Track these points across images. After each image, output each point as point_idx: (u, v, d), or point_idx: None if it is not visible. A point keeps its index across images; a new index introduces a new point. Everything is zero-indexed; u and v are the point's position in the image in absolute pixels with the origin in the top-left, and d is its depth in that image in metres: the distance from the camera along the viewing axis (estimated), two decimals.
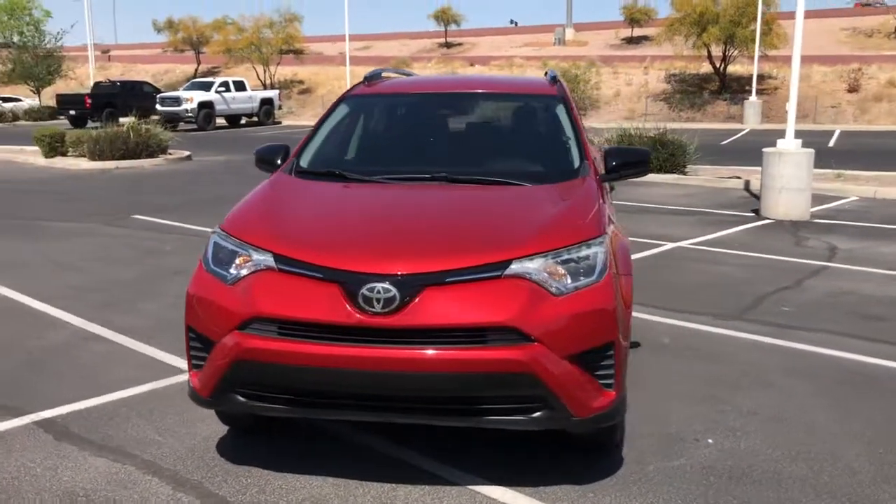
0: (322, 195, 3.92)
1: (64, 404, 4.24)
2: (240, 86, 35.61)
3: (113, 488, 3.36)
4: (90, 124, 30.83)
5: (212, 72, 56.80)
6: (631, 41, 52.95)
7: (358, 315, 2.98)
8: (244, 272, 3.22)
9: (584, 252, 3.20)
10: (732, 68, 37.37)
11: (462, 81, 5.26)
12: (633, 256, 7.78)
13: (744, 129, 29.63)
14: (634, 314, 5.57)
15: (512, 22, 78.36)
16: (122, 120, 31.90)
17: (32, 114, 41.73)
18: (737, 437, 3.85)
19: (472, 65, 54.61)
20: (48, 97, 44.56)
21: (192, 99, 32.17)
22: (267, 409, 3.21)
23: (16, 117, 41.48)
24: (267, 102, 36.99)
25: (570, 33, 60.86)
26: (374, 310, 2.97)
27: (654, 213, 10.98)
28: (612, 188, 5.52)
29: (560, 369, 3.01)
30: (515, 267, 3.07)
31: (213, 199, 12.03)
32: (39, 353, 5.13)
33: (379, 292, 2.97)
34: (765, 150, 10.74)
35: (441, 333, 2.97)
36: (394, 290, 2.97)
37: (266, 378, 3.10)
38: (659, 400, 4.31)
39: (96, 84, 36.21)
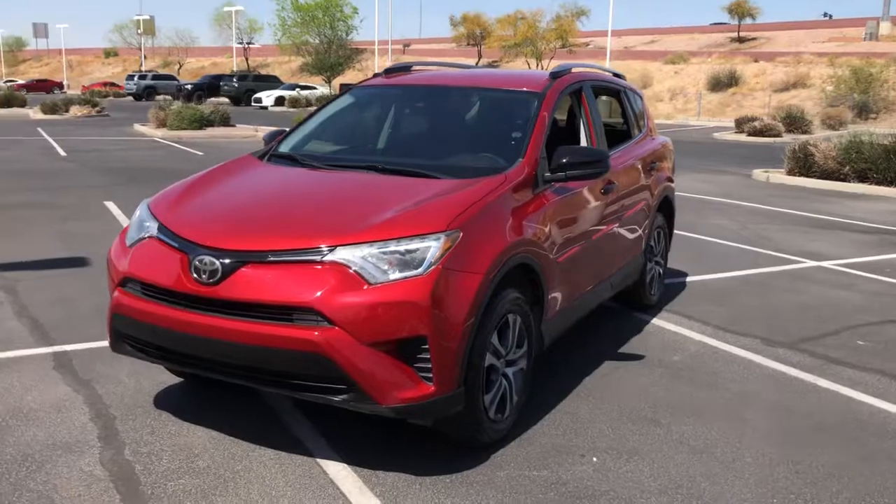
0: (244, 175, 4.28)
1: (88, 342, 5.00)
2: None
3: (51, 410, 4.00)
4: None
5: (491, 66, 59.07)
6: None
7: (189, 284, 3.31)
8: (139, 237, 3.68)
9: (414, 245, 3.25)
10: None
11: (459, 76, 5.29)
12: (757, 270, 7.41)
13: None
14: (672, 327, 5.34)
15: (825, 15, 72.40)
16: None
17: (322, 100, 46.37)
18: (627, 462, 3.62)
19: (755, 60, 51.39)
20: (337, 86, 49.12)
21: None
22: (147, 360, 3.65)
23: (308, 103, 46.26)
24: None
25: (885, 27, 54.96)
26: (201, 280, 3.28)
27: (829, 229, 9.97)
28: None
29: (359, 355, 3.11)
30: (337, 253, 3.21)
31: None
32: None
33: (206, 264, 3.28)
34: None
35: (253, 308, 3.21)
36: (217, 263, 3.26)
37: (135, 331, 3.55)
38: (592, 412, 4.15)
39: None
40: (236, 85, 47.32)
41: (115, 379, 4.43)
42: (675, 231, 7.83)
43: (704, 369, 4.84)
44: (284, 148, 4.63)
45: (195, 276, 3.31)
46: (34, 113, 33.82)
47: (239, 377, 3.41)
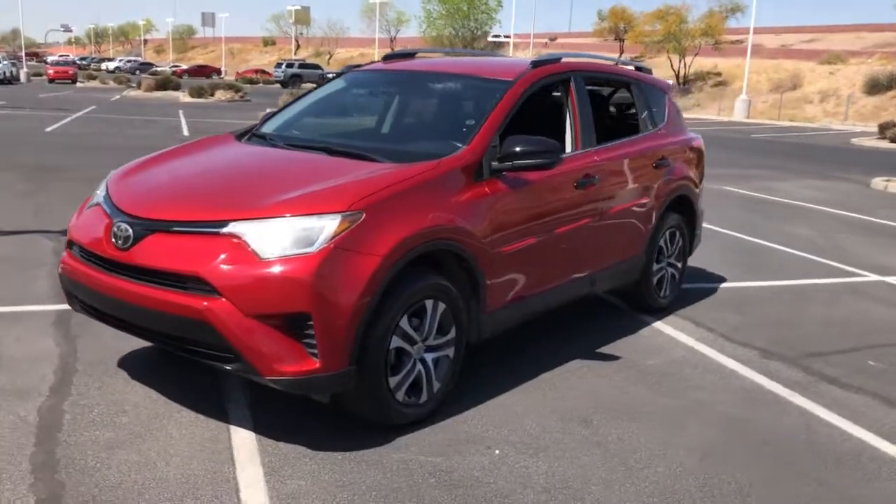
0: (204, 152, 4.49)
1: None
2: None
3: (25, 360, 4.35)
4: None
5: (634, 60, 57.67)
6: None
7: (108, 248, 3.54)
8: (91, 204, 3.96)
9: (309, 223, 3.33)
10: None
11: (445, 63, 5.27)
12: (805, 281, 6.97)
13: None
14: (670, 331, 5.24)
15: None
16: None
17: None
18: (529, 458, 3.57)
19: None
20: None
21: None
22: (92, 318, 3.92)
23: None
24: None
25: None
26: (117, 245, 3.50)
27: None
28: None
29: (243, 326, 3.24)
30: (235, 227, 3.34)
31: None
32: None
33: (122, 230, 3.50)
34: None
35: (155, 274, 3.40)
36: (130, 230, 3.47)
37: (76, 291, 3.83)
38: (528, 407, 4.09)
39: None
40: None
41: (98, 338, 4.74)
42: (741, 237, 7.47)
43: (677, 376, 4.64)
44: (266, 127, 4.81)
45: (113, 241, 3.53)
46: (183, 96, 36.19)
47: (150, 339, 3.63)
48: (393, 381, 3.62)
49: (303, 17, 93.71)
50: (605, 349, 5.01)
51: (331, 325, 3.29)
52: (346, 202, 3.42)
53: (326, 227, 3.33)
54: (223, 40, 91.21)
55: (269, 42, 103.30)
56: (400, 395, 3.68)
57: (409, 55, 5.51)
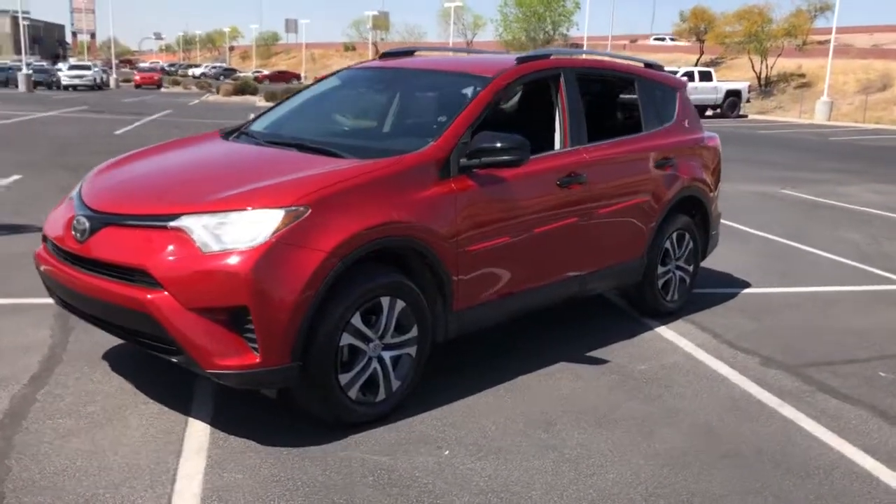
0: (182, 148, 4.59)
1: None
2: (705, 76, 35.07)
3: (17, 349, 4.50)
4: None
5: (714, 62, 56.38)
6: None
7: (69, 241, 3.64)
8: (67, 198, 4.08)
9: (252, 218, 3.35)
10: None
11: (434, 61, 5.22)
12: (837, 288, 6.65)
13: None
14: (671, 336, 5.09)
15: None
16: None
17: None
18: (478, 460, 3.50)
19: None
20: None
21: None
22: (65, 310, 4.04)
23: None
24: (733, 94, 35.77)
25: None
26: (76, 238, 3.60)
27: None
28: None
29: (183, 319, 3.27)
30: (181, 221, 3.38)
31: None
32: None
33: (80, 223, 3.59)
34: None
35: (107, 266, 3.47)
36: (87, 224, 3.55)
37: (49, 283, 3.94)
38: (493, 409, 4.02)
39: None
40: None
41: (93, 331, 4.81)
42: (783, 241, 7.19)
43: (663, 382, 4.48)
44: (255, 125, 4.87)
45: (73, 234, 3.62)
46: (259, 101, 37.09)
47: (108, 331, 3.71)
48: (344, 378, 3.60)
49: (381, 22, 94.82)
50: (598, 352, 4.88)
51: (270, 319, 3.29)
52: (292, 198, 3.42)
53: (269, 221, 3.34)
54: (304, 46, 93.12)
55: (349, 47, 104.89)
56: (353, 393, 3.66)
57: (408, 53, 5.49)
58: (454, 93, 4.58)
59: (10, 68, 49.08)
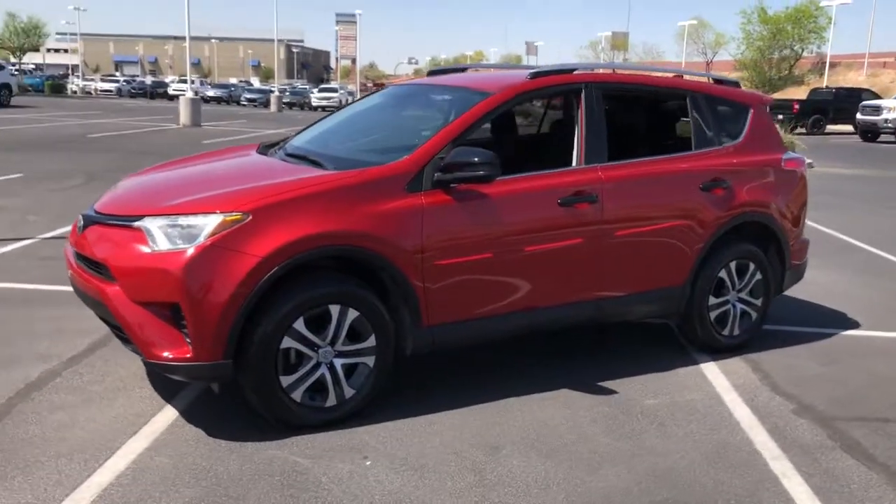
0: (205, 159, 4.91)
1: None
2: None
3: (80, 332, 5.10)
4: (798, 130, 31.07)
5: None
6: None
7: (72, 238, 4.12)
8: None
9: (194, 222, 3.61)
10: None
11: (461, 78, 5.14)
12: None
13: None
14: (712, 374, 4.85)
15: None
16: (829, 128, 31.47)
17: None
18: (394, 472, 3.49)
19: None
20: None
21: (894, 108, 29.58)
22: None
23: None
24: None
25: None
26: (77, 235, 4.07)
27: None
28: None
29: (130, 310, 3.61)
30: (142, 222, 3.72)
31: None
32: None
33: (79, 222, 4.05)
34: None
35: (87, 261, 3.90)
36: (81, 223, 4.01)
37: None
38: (449, 427, 3.97)
39: (813, 90, 36.24)
40: None
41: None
42: None
43: (661, 419, 4.15)
44: (294, 139, 5.16)
45: (77, 232, 4.10)
46: None
47: (103, 321, 4.12)
48: (286, 380, 3.74)
49: (620, 42, 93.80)
50: (612, 382, 4.61)
51: (201, 317, 3.52)
52: (232, 205, 3.64)
53: (207, 226, 3.57)
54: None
55: None
56: (298, 396, 3.78)
57: (456, 70, 5.52)
58: (453, 108, 4.57)
59: (268, 91, 54.67)
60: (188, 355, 3.55)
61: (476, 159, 3.93)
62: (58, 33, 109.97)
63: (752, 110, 5.31)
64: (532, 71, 4.65)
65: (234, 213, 3.60)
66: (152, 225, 3.67)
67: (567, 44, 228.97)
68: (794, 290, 6.52)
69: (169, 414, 4.01)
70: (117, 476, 3.37)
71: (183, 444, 3.68)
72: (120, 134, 21.99)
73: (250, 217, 3.60)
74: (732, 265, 5.08)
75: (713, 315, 5.08)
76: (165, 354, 3.57)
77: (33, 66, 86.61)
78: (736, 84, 5.46)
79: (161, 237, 3.61)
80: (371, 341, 3.91)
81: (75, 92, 59.79)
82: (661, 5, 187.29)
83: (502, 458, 3.67)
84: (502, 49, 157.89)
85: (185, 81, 57.67)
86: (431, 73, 5.54)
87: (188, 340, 3.55)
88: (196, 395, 4.22)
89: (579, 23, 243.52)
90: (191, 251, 3.52)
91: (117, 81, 63.69)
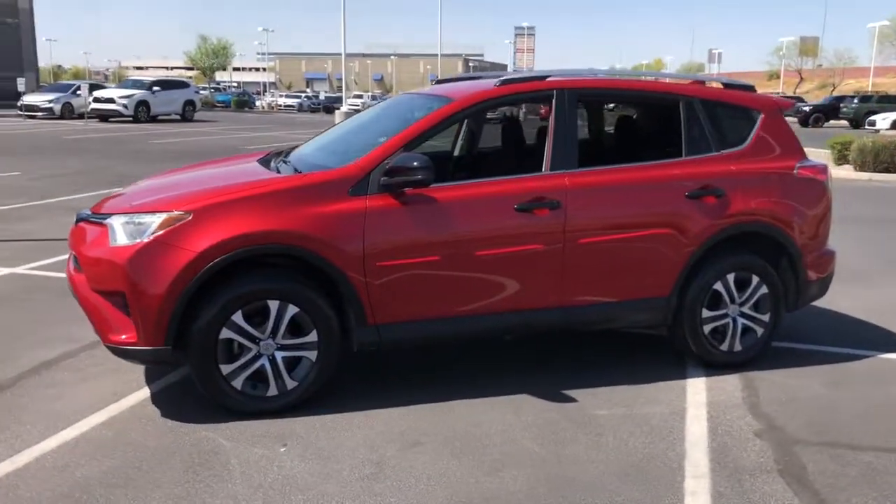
0: (205, 166, 5.28)
1: None
2: None
3: None
4: None
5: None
6: None
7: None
8: None
9: (144, 220, 4.00)
10: None
11: (444, 85, 5.18)
12: None
13: None
14: (695, 389, 4.65)
15: None
16: None
17: None
18: (297, 458, 3.69)
19: None
20: None
21: None
22: None
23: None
24: None
25: None
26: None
27: None
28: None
29: (90, 298, 4.06)
30: (109, 220, 4.15)
31: None
32: None
33: (75, 220, 4.57)
34: None
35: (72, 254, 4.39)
36: (75, 220, 4.52)
37: None
38: (393, 423, 4.11)
39: None
40: (856, 106, 43.66)
41: None
42: None
43: (602, 430, 4.06)
44: (302, 145, 5.49)
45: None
46: None
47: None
48: (226, 368, 4.03)
49: (810, 47, 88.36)
50: (578, 391, 4.55)
51: (143, 306, 3.89)
52: (176, 206, 3.99)
53: (153, 223, 3.94)
54: (716, 74, 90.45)
55: (773, 75, 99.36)
56: (238, 384, 4.07)
57: (467, 79, 5.59)
58: (417, 114, 4.69)
59: None
60: (133, 340, 3.93)
61: (415, 164, 4.06)
62: (258, 53, 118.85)
63: (762, 116, 5.04)
64: (501, 78, 4.69)
65: (176, 213, 3.94)
66: (116, 222, 4.09)
67: (757, 49, 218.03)
68: (838, 305, 6.11)
69: (140, 395, 4.41)
70: (61, 444, 3.79)
71: (134, 421, 4.06)
72: (273, 145, 23.54)
73: (191, 216, 3.93)
74: (730, 277, 4.85)
75: (707, 328, 4.87)
76: (116, 338, 3.97)
77: (234, 84, 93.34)
78: (748, 88, 5.20)
79: (121, 233, 4.02)
80: (312, 336, 4.12)
81: (262, 108, 64.26)
82: (858, 6, 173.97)
83: (413, 454, 3.76)
84: (683, 57, 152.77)
85: (360, 97, 61.01)
86: (438, 82, 5.67)
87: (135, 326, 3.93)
88: (176, 381, 4.60)
89: (767, 27, 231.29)
90: (136, 246, 3.90)
91: (299, 97, 67.85)
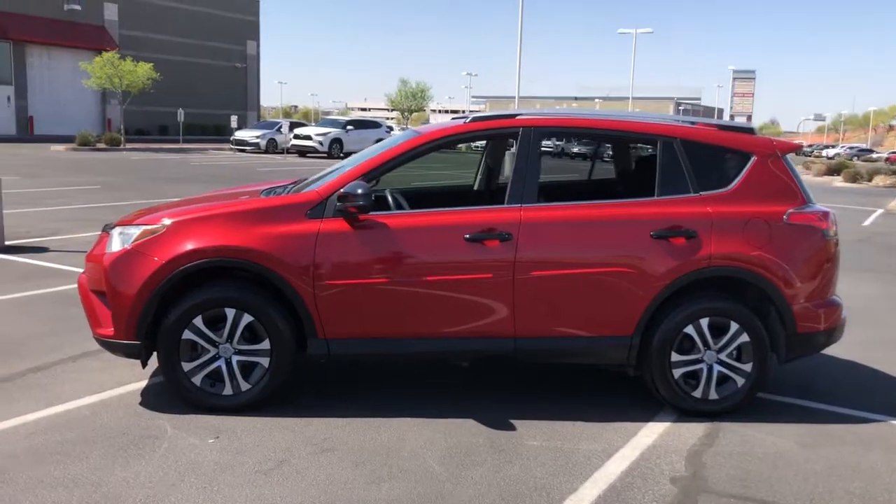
0: (228, 190, 5.86)
1: None
2: None
3: None
4: None
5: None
6: None
7: None
8: None
9: (128, 231, 4.65)
10: None
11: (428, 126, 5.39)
12: None
13: None
14: (647, 434, 4.72)
15: None
16: None
17: None
18: (219, 451, 4.09)
19: None
20: None
21: None
22: None
23: None
24: None
25: None
26: None
27: None
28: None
29: (88, 296, 4.77)
30: (114, 230, 4.85)
31: None
32: None
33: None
34: None
35: None
36: (102, 230, 5.29)
37: None
38: (323, 430, 4.44)
39: None
40: None
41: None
42: None
43: (516, 460, 4.13)
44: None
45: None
46: (836, 181, 34.81)
47: None
48: (186, 366, 4.56)
49: None
50: (525, 421, 4.63)
51: (118, 304, 4.51)
52: (154, 220, 4.59)
53: (134, 234, 4.58)
54: None
55: None
56: (197, 381, 4.58)
57: (505, 117, 5.75)
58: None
59: None
60: (111, 333, 4.56)
61: (358, 191, 4.41)
62: (473, 96, 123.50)
63: (754, 159, 4.88)
64: (474, 115, 4.92)
65: (151, 227, 4.55)
66: (115, 233, 4.77)
67: None
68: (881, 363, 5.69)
69: (138, 385, 5.04)
70: (43, 417, 4.46)
71: (115, 406, 4.67)
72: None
73: (165, 230, 4.52)
74: (704, 322, 4.72)
75: (678, 373, 4.76)
76: (100, 332, 4.63)
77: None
78: (746, 131, 5.03)
79: (115, 242, 4.69)
80: (266, 344, 4.56)
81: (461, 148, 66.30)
82: None
83: (319, 458, 4.05)
84: None
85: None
86: (474, 119, 5.77)
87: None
88: None
89: None
90: (118, 253, 4.55)
91: None
